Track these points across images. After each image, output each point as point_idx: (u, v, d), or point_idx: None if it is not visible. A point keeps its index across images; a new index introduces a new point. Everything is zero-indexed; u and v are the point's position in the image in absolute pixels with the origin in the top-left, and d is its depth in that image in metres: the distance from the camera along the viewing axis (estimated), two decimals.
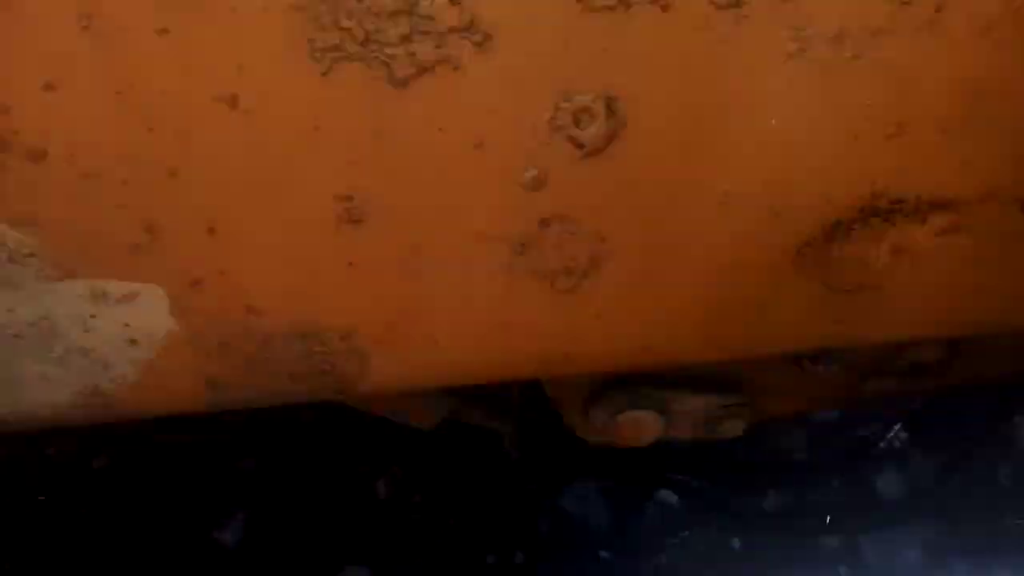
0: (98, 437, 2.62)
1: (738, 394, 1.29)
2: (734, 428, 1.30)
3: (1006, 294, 1.02)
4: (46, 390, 0.86)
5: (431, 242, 0.82)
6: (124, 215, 0.73)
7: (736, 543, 2.54)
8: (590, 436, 1.34)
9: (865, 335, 1.06)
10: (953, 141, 0.85)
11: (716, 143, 0.81)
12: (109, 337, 0.83)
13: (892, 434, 1.51)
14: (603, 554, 2.51)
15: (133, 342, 0.84)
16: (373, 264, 0.82)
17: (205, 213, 0.75)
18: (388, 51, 0.69)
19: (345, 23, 0.67)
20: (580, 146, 0.75)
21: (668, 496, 2.64)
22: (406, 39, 0.68)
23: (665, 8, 0.70)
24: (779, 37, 0.74)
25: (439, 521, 2.51)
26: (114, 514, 2.42)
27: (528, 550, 2.48)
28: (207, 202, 0.74)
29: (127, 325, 0.82)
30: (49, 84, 0.67)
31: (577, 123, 0.73)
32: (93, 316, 0.80)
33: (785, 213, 0.88)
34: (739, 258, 0.92)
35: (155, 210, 0.73)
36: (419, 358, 0.93)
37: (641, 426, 1.27)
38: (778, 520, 2.61)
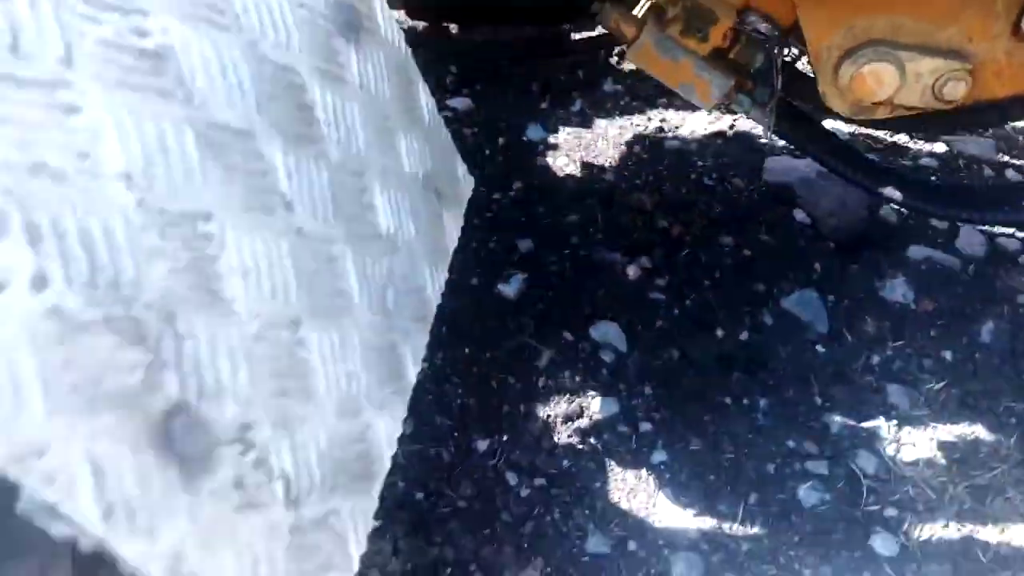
0: None
1: (964, 61, 1.68)
2: (956, 91, 1.68)
3: None
4: None
5: None
6: None
7: (928, 362, 2.81)
8: (836, 101, 1.78)
9: None
10: None
11: None
12: None
13: None
14: (819, 348, 2.88)
15: None
16: None
17: None
18: None
19: None
20: None
21: (883, 314, 2.95)
22: None
23: None
24: None
25: (678, 300, 3.00)
26: None
27: (752, 333, 2.90)
28: None
29: None
30: None
31: None
32: None
33: None
34: None
35: None
36: None
37: (880, 79, 1.69)
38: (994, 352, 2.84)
